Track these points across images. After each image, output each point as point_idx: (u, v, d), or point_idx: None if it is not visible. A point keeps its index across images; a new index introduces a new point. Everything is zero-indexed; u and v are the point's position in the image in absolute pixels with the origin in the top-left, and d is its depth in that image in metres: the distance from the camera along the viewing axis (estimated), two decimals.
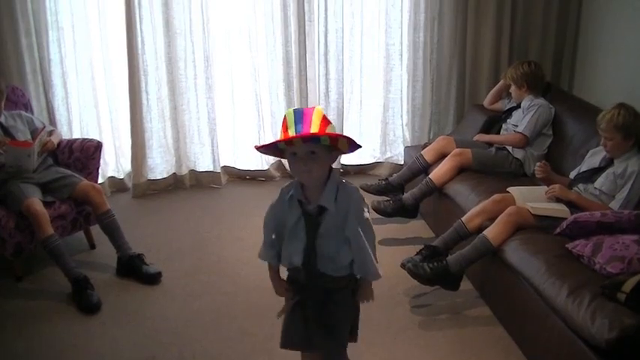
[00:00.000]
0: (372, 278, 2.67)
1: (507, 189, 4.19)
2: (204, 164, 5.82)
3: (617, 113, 3.82)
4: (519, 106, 4.91)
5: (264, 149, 2.49)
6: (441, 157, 4.82)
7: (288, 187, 2.62)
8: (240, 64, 5.68)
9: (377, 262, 2.64)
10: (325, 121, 2.40)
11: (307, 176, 2.48)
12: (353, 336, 2.84)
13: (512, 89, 4.94)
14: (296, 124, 2.37)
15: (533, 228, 3.81)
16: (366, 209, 2.61)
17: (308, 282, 2.68)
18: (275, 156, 2.59)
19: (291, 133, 2.36)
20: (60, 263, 4.16)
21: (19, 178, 4.31)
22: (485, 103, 5.35)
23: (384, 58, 5.72)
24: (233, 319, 3.95)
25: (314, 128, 2.35)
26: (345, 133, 5.76)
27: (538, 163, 4.28)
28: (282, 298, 2.85)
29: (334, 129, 2.43)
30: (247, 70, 5.65)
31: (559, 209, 3.88)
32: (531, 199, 4.01)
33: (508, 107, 5.07)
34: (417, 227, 4.99)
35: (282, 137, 2.39)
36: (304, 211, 2.56)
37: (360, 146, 2.49)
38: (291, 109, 2.43)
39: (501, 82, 5.21)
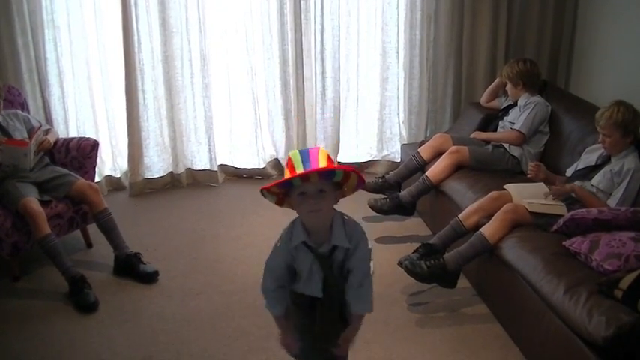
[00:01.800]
0: (367, 311, 2.66)
1: (504, 186, 4.19)
2: (201, 163, 5.82)
3: (616, 110, 3.81)
4: (516, 104, 4.92)
5: (276, 187, 2.42)
6: (438, 154, 4.82)
7: (289, 233, 2.56)
8: (237, 63, 5.67)
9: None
10: (330, 160, 2.39)
11: (316, 216, 2.44)
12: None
13: (509, 87, 4.95)
14: (304, 162, 2.34)
15: (530, 225, 3.81)
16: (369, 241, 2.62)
17: (323, 308, 2.66)
18: (277, 201, 2.51)
19: (299, 171, 2.33)
20: (57, 262, 4.15)
21: (15, 177, 4.31)
22: (482, 100, 5.35)
23: (380, 56, 5.71)
24: (230, 317, 3.96)
25: (321, 165, 2.34)
26: (341, 133, 5.84)
27: (530, 164, 4.28)
28: None
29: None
30: (244, 68, 5.65)
31: (556, 206, 3.88)
32: (528, 196, 4.01)
33: (505, 105, 5.08)
34: (414, 225, 4.99)
35: (290, 175, 2.34)
36: (315, 254, 2.54)
37: (364, 184, 2.50)
38: (296, 151, 2.41)
39: (498, 80, 5.22)
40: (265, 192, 2.45)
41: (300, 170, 2.33)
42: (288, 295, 2.70)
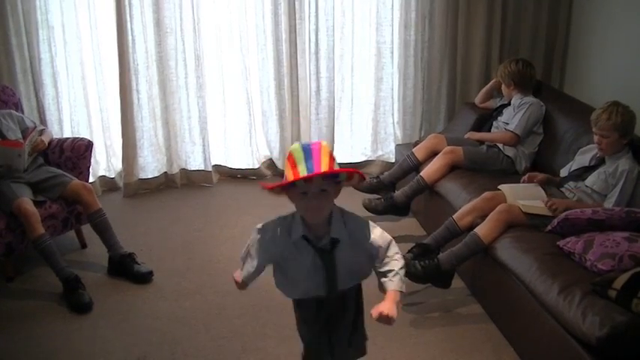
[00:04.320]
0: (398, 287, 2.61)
1: (498, 186, 4.19)
2: (195, 163, 5.81)
3: (615, 111, 3.81)
4: (510, 104, 4.92)
5: (280, 188, 2.40)
6: (432, 155, 4.82)
7: (288, 225, 2.51)
8: (231, 63, 5.66)
9: None
10: (332, 157, 2.36)
11: (317, 214, 2.43)
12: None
13: (502, 87, 4.96)
14: (306, 160, 2.31)
15: (524, 225, 3.82)
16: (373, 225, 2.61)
17: (326, 302, 2.63)
18: (279, 193, 2.46)
19: (302, 169, 2.29)
20: (51, 263, 4.14)
21: (9, 177, 4.30)
22: (477, 101, 5.35)
23: (374, 57, 5.71)
24: (224, 318, 3.95)
25: (324, 165, 2.30)
26: (336, 133, 5.84)
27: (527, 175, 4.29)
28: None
29: (337, 164, 2.41)
30: (238, 68, 5.64)
31: (538, 197, 3.90)
32: (522, 196, 4.01)
33: (499, 104, 5.08)
34: (409, 225, 4.99)
35: (292, 173, 2.32)
36: (316, 249, 2.51)
37: (364, 179, 2.50)
38: (298, 145, 2.36)
39: (493, 82, 5.21)
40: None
41: (302, 167, 2.30)
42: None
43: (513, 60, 4.92)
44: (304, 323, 2.75)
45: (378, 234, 2.58)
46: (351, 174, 2.41)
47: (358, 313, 2.72)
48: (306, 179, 2.31)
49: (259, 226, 2.57)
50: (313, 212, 2.42)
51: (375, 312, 2.44)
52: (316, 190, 2.36)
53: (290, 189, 2.40)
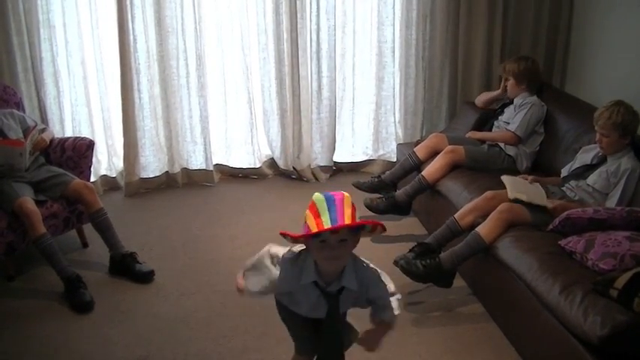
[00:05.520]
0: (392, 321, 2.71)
1: (501, 177, 4.19)
2: (196, 162, 5.81)
3: (616, 111, 3.81)
4: (511, 102, 4.92)
5: (304, 238, 2.41)
6: (434, 154, 4.81)
7: (300, 265, 2.52)
8: (233, 62, 5.67)
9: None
10: (354, 208, 2.36)
11: (336, 263, 2.44)
12: None
13: (510, 84, 4.90)
14: (329, 211, 2.31)
15: (525, 225, 3.82)
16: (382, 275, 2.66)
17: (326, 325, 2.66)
18: (295, 240, 2.48)
19: (325, 220, 2.29)
20: (52, 262, 4.14)
21: (10, 177, 4.30)
22: (477, 103, 5.33)
23: (376, 56, 5.71)
24: (226, 317, 3.95)
25: (347, 217, 2.31)
26: (337, 132, 5.84)
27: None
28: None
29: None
30: (239, 67, 5.65)
31: (539, 193, 3.92)
32: (523, 189, 4.02)
33: (500, 103, 5.08)
34: (410, 224, 4.99)
35: (316, 223, 2.31)
36: (323, 292, 2.53)
37: (385, 230, 2.47)
38: (321, 195, 2.36)
39: (498, 92, 5.16)
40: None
41: (325, 218, 2.30)
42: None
43: (522, 58, 4.89)
44: (289, 318, 2.82)
45: (386, 290, 2.67)
46: (374, 227, 2.42)
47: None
48: (332, 231, 2.31)
49: (286, 254, 2.60)
50: (331, 261, 2.42)
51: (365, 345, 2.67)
52: (337, 240, 2.36)
53: (309, 237, 2.40)
